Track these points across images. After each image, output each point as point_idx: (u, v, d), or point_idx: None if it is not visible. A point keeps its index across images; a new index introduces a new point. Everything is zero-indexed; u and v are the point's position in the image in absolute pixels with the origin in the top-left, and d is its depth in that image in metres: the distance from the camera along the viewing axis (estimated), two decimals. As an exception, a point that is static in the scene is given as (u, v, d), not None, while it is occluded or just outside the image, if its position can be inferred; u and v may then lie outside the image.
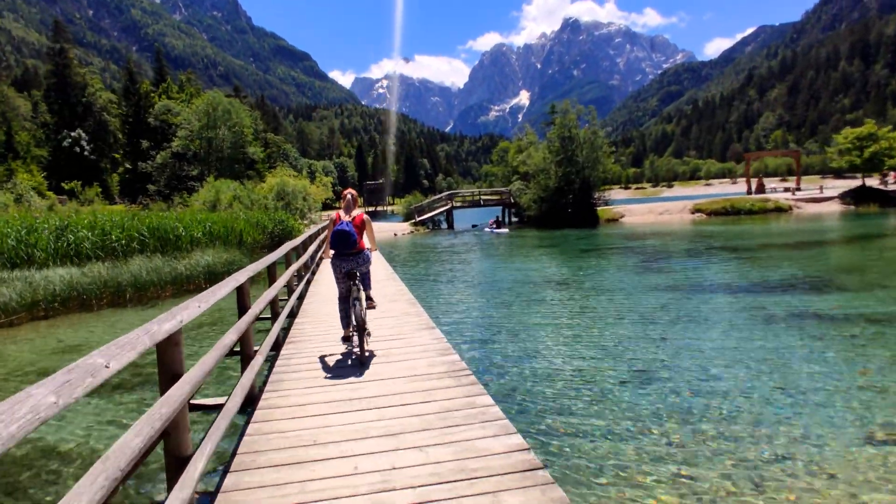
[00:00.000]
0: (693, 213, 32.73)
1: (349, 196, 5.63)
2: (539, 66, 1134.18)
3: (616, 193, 43.95)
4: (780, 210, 31.66)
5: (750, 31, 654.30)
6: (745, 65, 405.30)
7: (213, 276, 14.23)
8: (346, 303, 5.54)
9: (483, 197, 40.44)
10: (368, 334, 5.42)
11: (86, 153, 55.93)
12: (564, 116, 33.99)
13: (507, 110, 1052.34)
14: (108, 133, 60.27)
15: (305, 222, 30.80)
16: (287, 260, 9.08)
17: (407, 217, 40.04)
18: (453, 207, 38.72)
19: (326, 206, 53.18)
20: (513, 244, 24.65)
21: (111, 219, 16.38)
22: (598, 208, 34.04)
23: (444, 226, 39.39)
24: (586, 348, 7.73)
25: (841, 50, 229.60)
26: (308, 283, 11.21)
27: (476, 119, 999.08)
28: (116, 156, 53.67)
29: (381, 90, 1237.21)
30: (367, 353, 5.23)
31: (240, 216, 24.64)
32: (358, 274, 5.44)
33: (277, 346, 6.01)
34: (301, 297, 9.60)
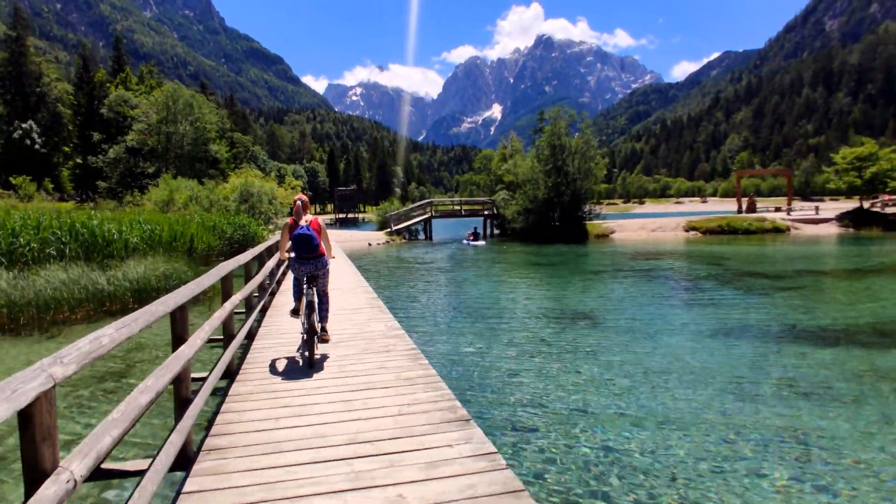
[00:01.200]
0: (687, 230, 31.02)
1: (299, 202, 5.67)
2: (512, 80, 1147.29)
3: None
4: (777, 230, 30.23)
5: (715, 55, 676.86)
6: (711, 88, 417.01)
7: (144, 294, 11.30)
8: (301, 282, 5.61)
9: (464, 207, 37.95)
10: (321, 341, 5.46)
11: (37, 146, 51.53)
12: (555, 123, 31.93)
13: (480, 122, 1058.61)
14: (61, 126, 55.93)
15: (271, 227, 27.81)
16: (247, 272, 7.76)
17: (382, 225, 37.32)
18: (432, 217, 36.17)
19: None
20: (504, 262, 22.18)
21: (25, 217, 13.24)
22: (588, 222, 32.00)
23: (422, 236, 36.83)
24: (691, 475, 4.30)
25: (805, 77, 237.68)
26: (267, 303, 8.80)
27: (448, 130, 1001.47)
28: (66, 149, 49.31)
29: (354, 97, 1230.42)
30: (317, 357, 5.31)
31: (194, 218, 21.57)
32: (316, 278, 5.45)
33: (230, 374, 5.14)
34: (262, 314, 8.22)
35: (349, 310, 8.11)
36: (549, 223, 30.60)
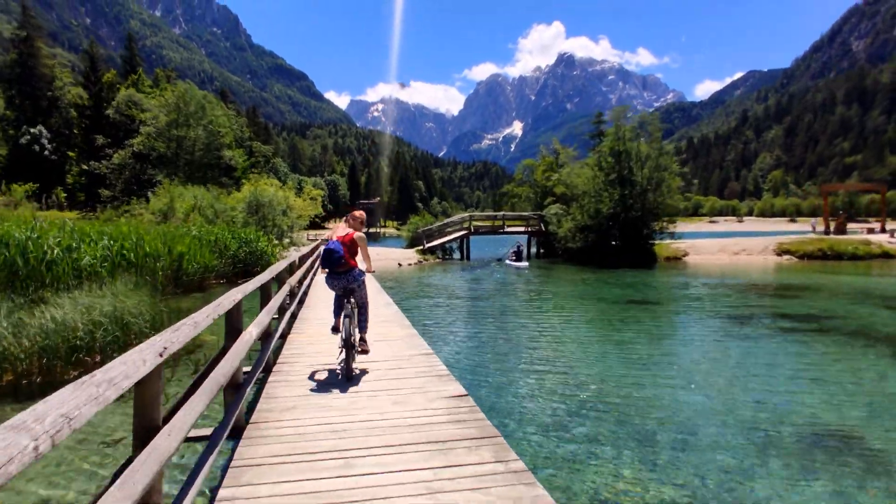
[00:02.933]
0: (779, 254, 26.01)
1: (354, 216, 5.65)
2: (533, 97, 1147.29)
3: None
4: (888, 256, 25.08)
5: (739, 75, 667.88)
6: (736, 107, 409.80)
7: (54, 356, 6.89)
8: (341, 299, 5.52)
9: (507, 223, 33.26)
10: (359, 352, 5.45)
11: (46, 152, 48.56)
12: (619, 125, 27.38)
13: (500, 139, 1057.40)
14: (74, 132, 53.04)
15: (286, 242, 23.62)
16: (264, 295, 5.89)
17: (412, 242, 32.94)
18: (470, 233, 31.65)
19: (314, 225, 46.01)
20: (570, 295, 17.44)
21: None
22: (655, 243, 27.16)
23: (457, 255, 32.38)
24: None
25: (837, 95, 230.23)
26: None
27: (469, 146, 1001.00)
28: (71, 154, 46.21)
29: (375, 113, 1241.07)
30: (354, 371, 5.19)
31: (190, 231, 17.38)
32: (352, 292, 5.40)
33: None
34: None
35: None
36: (610, 243, 25.96)
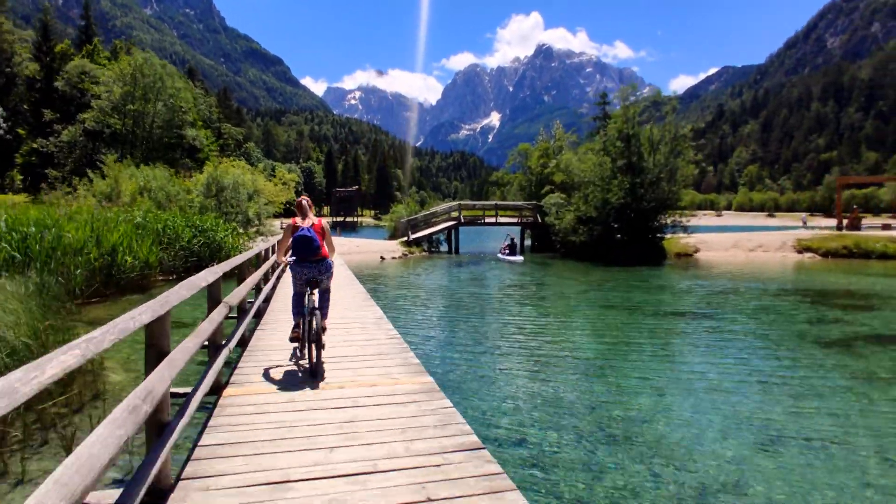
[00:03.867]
0: (800, 251, 23.89)
1: (304, 202, 5.38)
2: (511, 88, 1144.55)
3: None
4: (916, 254, 23.17)
5: (713, 70, 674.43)
6: (710, 101, 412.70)
7: None
8: (302, 297, 5.20)
9: (500, 213, 30.44)
10: (322, 347, 4.95)
11: (0, 131, 44.07)
12: (627, 106, 24.81)
13: (478, 130, 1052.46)
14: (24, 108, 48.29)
15: (251, 231, 20.55)
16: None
17: (395, 233, 30.11)
18: (460, 224, 28.89)
19: (289, 213, 42.73)
20: (585, 301, 14.90)
21: None
22: (664, 237, 24.68)
23: (445, 247, 29.68)
24: None
25: (814, 91, 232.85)
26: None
27: (447, 136, 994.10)
28: (21, 131, 41.91)
29: (353, 101, 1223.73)
30: (320, 364, 4.85)
31: (132, 217, 14.29)
32: (319, 283, 5.17)
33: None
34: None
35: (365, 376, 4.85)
36: (615, 237, 23.49)
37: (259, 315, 7.69)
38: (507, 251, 25.89)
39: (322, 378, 4.61)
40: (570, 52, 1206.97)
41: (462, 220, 28.85)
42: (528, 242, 31.52)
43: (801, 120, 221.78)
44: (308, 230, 5.00)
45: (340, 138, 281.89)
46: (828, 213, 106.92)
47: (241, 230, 18.19)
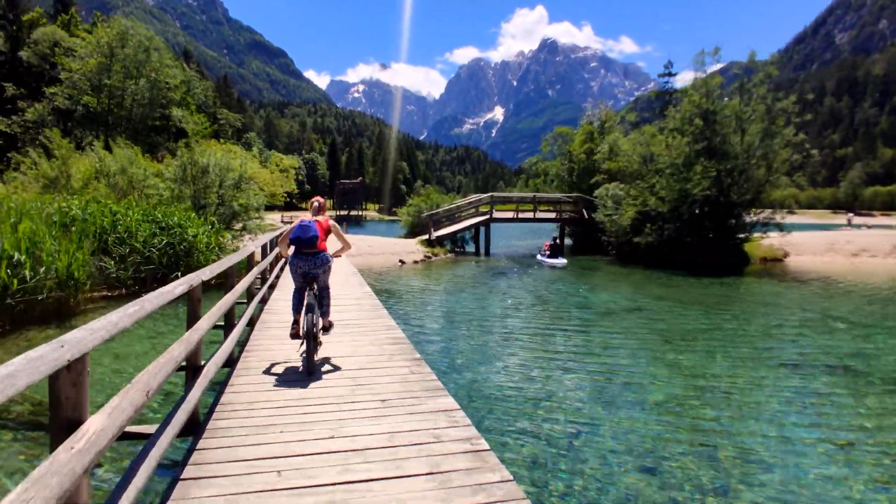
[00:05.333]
0: (920, 256, 19.64)
1: (316, 203, 5.41)
2: (515, 83, 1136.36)
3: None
4: None
5: (720, 66, 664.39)
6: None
7: None
8: (302, 293, 5.15)
9: (539, 207, 25.81)
10: (319, 344, 4.98)
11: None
12: (707, 79, 20.27)
13: (482, 124, 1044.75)
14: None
15: (238, 227, 16.17)
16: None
17: (413, 230, 25.73)
18: (491, 220, 24.39)
19: (290, 206, 38.40)
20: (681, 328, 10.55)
21: None
22: (747, 238, 20.15)
23: (471, 247, 25.33)
24: None
25: (827, 86, 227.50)
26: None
27: (450, 130, 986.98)
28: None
29: (356, 94, 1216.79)
30: (316, 362, 4.81)
31: (56, 206, 9.88)
32: (316, 278, 5.04)
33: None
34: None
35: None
36: (686, 237, 19.06)
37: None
38: (548, 252, 21.66)
39: (318, 377, 4.55)
40: (575, 47, 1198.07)
41: (493, 216, 24.29)
42: (567, 242, 27.12)
43: (814, 115, 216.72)
44: (309, 221, 4.99)
45: (344, 131, 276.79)
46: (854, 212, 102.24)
47: (222, 226, 13.85)
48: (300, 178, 39.33)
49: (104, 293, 10.12)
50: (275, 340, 5.72)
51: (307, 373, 4.58)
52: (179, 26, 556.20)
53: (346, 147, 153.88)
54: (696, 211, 18.36)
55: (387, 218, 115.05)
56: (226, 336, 5.13)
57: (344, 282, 9.84)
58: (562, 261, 20.54)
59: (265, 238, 9.80)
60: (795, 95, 19.96)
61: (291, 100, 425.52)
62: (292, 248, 5.00)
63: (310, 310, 4.73)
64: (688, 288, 14.94)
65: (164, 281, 10.46)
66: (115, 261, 10.37)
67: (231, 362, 4.98)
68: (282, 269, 10.99)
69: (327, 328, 5.14)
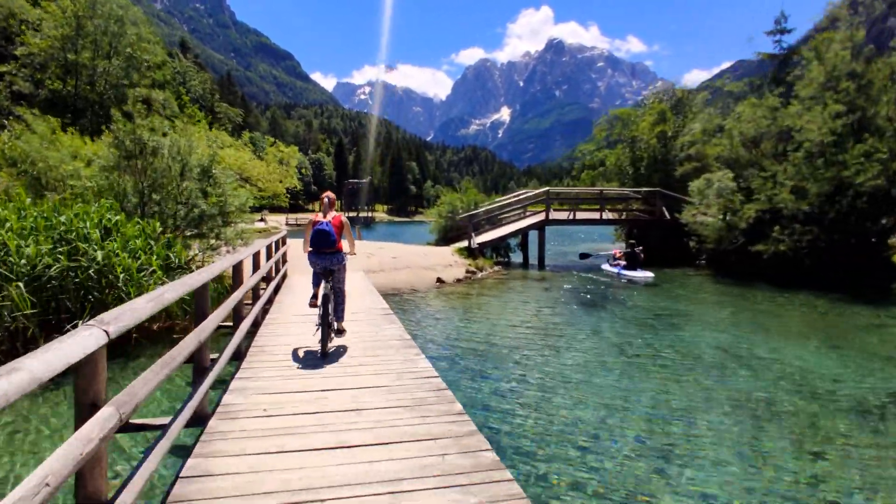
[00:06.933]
0: None
1: (326, 199, 5.64)
2: (521, 83, 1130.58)
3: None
4: None
5: (727, 64, 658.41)
6: (726, 96, 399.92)
7: None
8: (319, 277, 5.56)
9: (607, 207, 20.53)
10: (337, 332, 5.52)
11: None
12: (852, 31, 15.22)
13: (488, 125, 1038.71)
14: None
15: (212, 243, 11.12)
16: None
17: (447, 235, 20.67)
18: (547, 221, 19.27)
19: (296, 208, 33.60)
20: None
21: None
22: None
23: (518, 256, 20.31)
24: None
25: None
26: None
27: (456, 131, 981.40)
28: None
29: (362, 96, 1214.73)
30: (330, 349, 5.23)
31: None
32: (332, 272, 5.48)
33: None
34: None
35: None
36: (821, 243, 13.99)
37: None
38: (622, 262, 16.72)
39: (330, 360, 4.86)
40: (582, 47, 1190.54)
41: (549, 217, 19.13)
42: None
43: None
44: (326, 224, 5.35)
45: (350, 132, 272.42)
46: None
47: (179, 236, 8.91)
48: (305, 173, 34.46)
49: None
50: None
51: (322, 356, 5.03)
52: (187, 30, 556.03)
53: (354, 147, 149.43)
54: (855, 207, 13.23)
55: (396, 219, 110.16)
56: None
57: (365, 317, 7.25)
58: (648, 274, 15.62)
59: (245, 253, 5.28)
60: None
61: (298, 102, 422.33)
62: (311, 247, 5.41)
63: (325, 300, 5.17)
64: (858, 315, 9.99)
65: (54, 331, 5.57)
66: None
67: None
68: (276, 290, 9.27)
69: (340, 332, 5.61)
